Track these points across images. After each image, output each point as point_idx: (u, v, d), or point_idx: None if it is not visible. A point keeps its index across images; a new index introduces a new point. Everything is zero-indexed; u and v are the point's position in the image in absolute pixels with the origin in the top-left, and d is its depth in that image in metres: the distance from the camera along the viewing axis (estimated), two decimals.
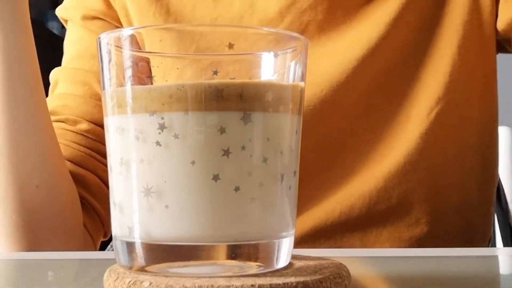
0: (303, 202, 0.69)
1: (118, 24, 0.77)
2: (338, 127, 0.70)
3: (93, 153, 0.71)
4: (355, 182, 0.70)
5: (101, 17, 0.77)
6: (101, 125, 0.71)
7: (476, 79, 0.71)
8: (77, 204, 0.67)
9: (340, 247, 0.70)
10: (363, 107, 0.70)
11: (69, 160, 0.69)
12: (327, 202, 0.70)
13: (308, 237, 0.69)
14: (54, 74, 0.78)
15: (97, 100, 0.74)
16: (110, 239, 0.75)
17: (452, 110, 0.70)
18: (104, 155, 0.64)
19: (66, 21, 0.81)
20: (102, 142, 0.71)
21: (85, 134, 0.71)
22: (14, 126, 0.61)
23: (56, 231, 0.65)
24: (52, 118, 0.71)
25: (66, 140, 0.70)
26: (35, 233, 0.63)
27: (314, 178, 0.70)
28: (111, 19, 0.77)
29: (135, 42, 0.39)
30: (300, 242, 0.69)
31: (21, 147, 0.61)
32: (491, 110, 0.73)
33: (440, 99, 0.69)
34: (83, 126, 0.72)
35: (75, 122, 0.72)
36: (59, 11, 0.82)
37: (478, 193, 0.73)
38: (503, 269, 0.52)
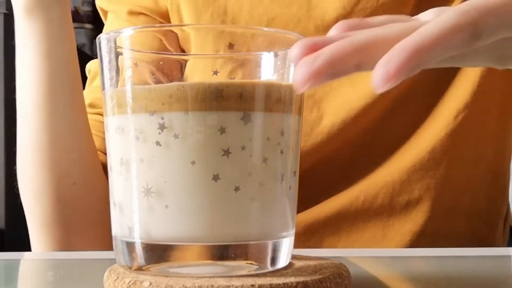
0: (330, 188, 0.72)
1: (163, 20, 0.77)
2: (371, 125, 0.72)
3: None
4: (380, 172, 0.72)
5: (147, 13, 0.77)
6: None
7: (498, 92, 0.74)
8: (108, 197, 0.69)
9: (362, 236, 0.71)
10: (397, 109, 0.72)
11: (102, 152, 0.71)
12: (353, 189, 0.72)
13: (331, 222, 0.71)
14: (94, 65, 0.79)
15: None
16: None
17: (476, 117, 0.72)
18: None
19: (104, 11, 0.80)
20: None
21: None
22: (55, 126, 0.63)
23: (88, 224, 0.67)
24: (90, 110, 0.73)
25: (101, 132, 0.72)
26: (67, 226, 0.66)
27: (342, 168, 0.72)
28: (157, 15, 0.77)
29: (136, 42, 0.40)
30: (324, 225, 0.71)
31: (61, 146, 0.64)
32: (508, 127, 0.75)
33: (468, 105, 0.71)
34: None
35: None
36: (100, 1, 0.80)
37: (487, 203, 0.74)
38: (503, 269, 0.52)
